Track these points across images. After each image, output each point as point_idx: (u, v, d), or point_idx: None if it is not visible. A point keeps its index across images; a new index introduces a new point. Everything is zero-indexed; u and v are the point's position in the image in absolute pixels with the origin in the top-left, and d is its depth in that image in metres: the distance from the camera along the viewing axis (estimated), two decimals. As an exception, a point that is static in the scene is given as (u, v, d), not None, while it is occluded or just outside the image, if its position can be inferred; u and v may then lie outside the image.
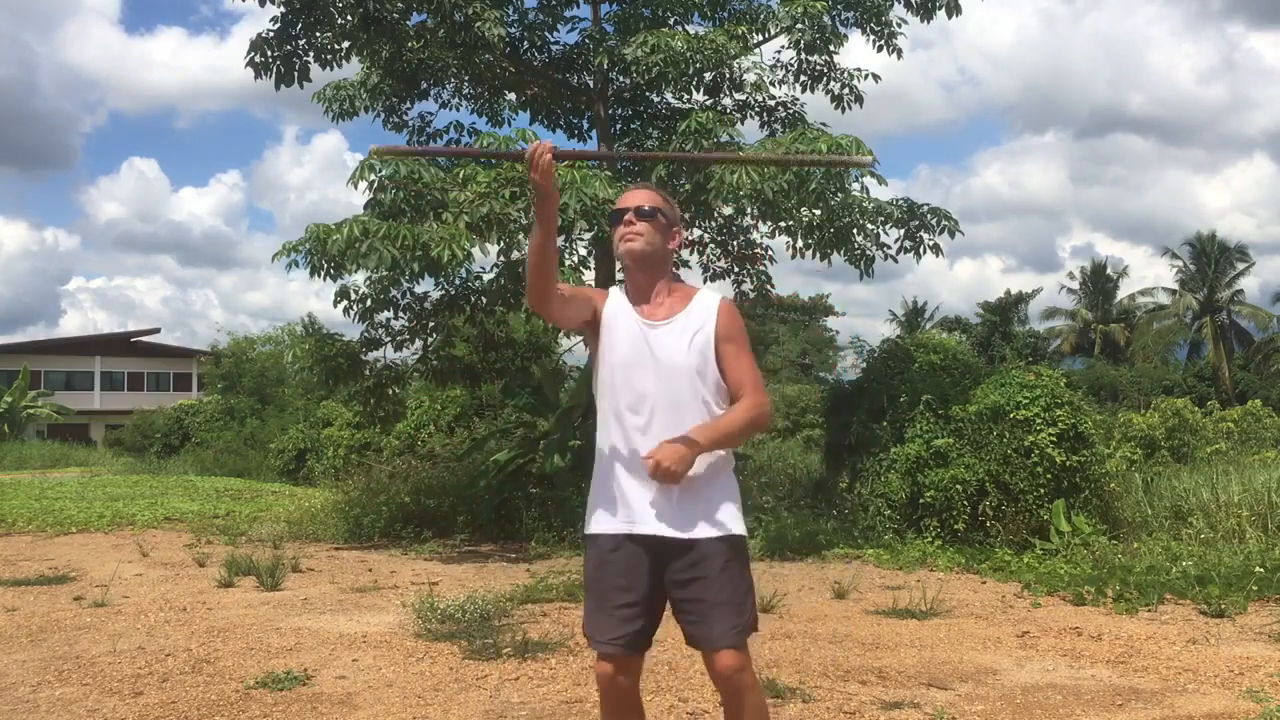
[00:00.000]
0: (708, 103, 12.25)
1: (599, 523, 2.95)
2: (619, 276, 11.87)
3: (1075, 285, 52.63)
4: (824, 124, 11.31)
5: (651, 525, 2.84)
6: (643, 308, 2.95)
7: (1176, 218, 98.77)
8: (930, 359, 11.07)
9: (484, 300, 11.44)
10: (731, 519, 2.88)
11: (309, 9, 10.75)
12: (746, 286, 12.58)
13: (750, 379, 2.89)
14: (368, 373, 11.53)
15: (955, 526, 9.69)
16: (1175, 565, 7.88)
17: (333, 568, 9.08)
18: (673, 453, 2.72)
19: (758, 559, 9.50)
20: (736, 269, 12.53)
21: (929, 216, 11.14)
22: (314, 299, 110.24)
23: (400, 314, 11.44)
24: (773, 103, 12.62)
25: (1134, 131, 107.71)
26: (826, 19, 11.06)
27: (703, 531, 2.84)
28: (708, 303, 2.97)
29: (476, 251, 9.55)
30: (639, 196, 2.98)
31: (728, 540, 2.86)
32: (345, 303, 10.84)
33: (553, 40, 12.34)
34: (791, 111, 12.61)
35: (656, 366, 2.88)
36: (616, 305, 2.99)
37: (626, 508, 2.88)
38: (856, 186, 10.59)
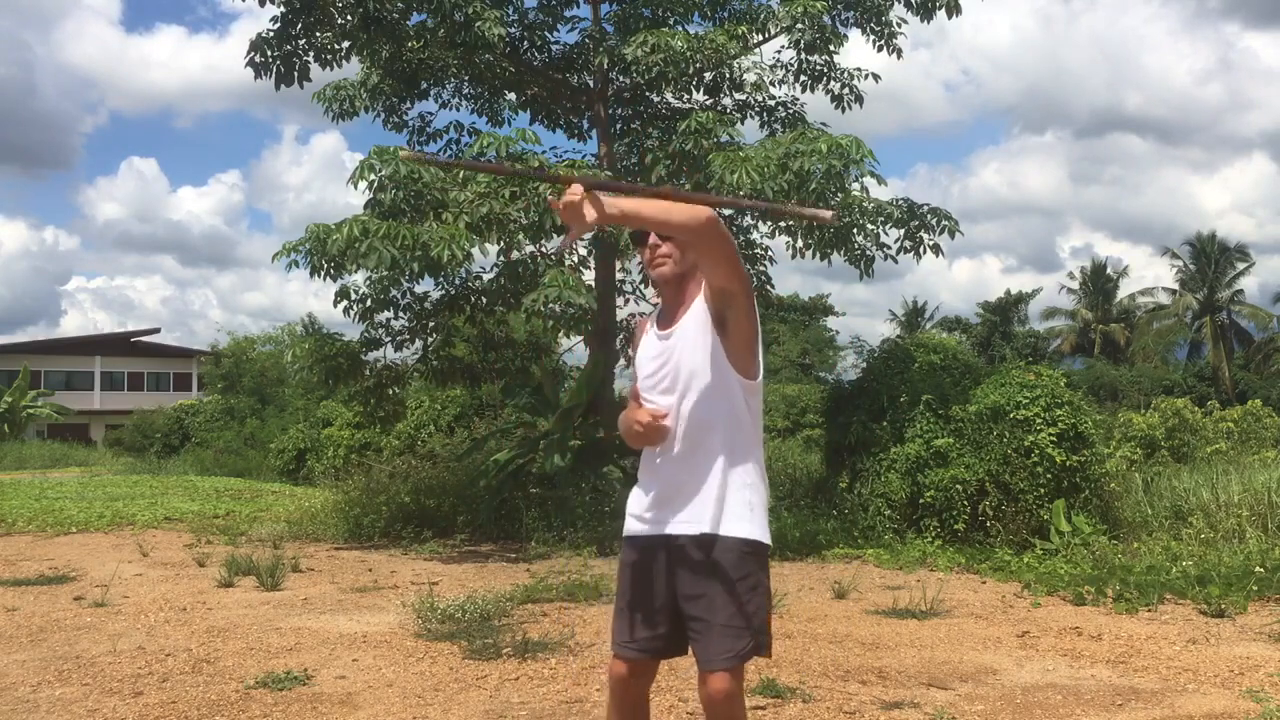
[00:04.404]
0: (708, 102, 12.26)
1: (628, 525, 2.95)
2: (619, 276, 11.93)
3: (1075, 285, 52.71)
4: (824, 124, 11.32)
5: (664, 527, 2.82)
6: (668, 316, 2.92)
7: (1176, 218, 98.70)
8: (930, 359, 11.07)
9: (484, 300, 11.45)
10: (749, 524, 2.77)
11: (309, 9, 10.75)
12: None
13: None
14: (368, 373, 11.53)
15: (955, 526, 9.69)
16: (1175, 565, 7.88)
17: (333, 568, 9.08)
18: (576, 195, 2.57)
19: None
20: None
21: (929, 217, 11.14)
22: (313, 299, 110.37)
23: (400, 314, 11.45)
24: (773, 103, 12.63)
25: (1132, 131, 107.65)
26: (826, 19, 11.06)
27: (718, 529, 2.75)
28: (696, 299, 2.88)
29: (476, 251, 9.56)
30: None
31: (743, 546, 2.75)
32: (345, 303, 10.85)
33: (553, 40, 12.35)
34: (791, 111, 12.62)
35: (678, 371, 2.82)
36: (649, 325, 3.00)
37: (647, 510, 2.88)
38: (856, 187, 10.60)
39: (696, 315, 2.82)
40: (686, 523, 2.78)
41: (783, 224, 11.02)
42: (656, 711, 4.54)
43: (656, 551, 2.84)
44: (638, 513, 2.91)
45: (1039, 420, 9.69)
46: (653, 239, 2.83)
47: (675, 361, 2.83)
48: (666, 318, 2.91)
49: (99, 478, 22.27)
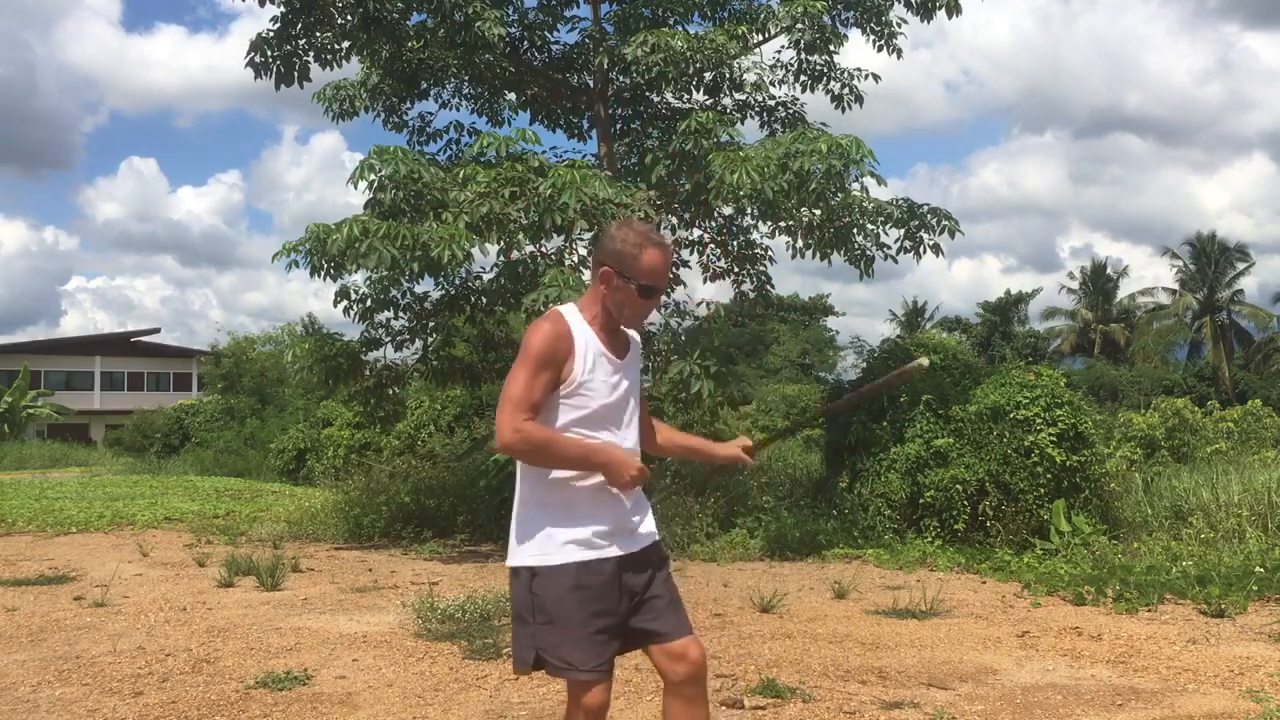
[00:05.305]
0: (708, 103, 12.25)
1: (577, 553, 2.86)
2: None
3: (1075, 285, 52.74)
4: (824, 124, 11.33)
5: (622, 545, 2.92)
6: (611, 342, 2.97)
7: (1175, 218, 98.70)
8: (930, 359, 11.07)
9: (484, 300, 11.44)
10: (656, 524, 3.11)
11: (309, 9, 10.76)
12: (746, 286, 12.59)
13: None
14: (368, 373, 11.52)
15: (955, 526, 9.69)
16: (1175, 565, 7.88)
17: (333, 568, 9.08)
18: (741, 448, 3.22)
19: (758, 559, 9.52)
20: (736, 269, 12.54)
21: (929, 216, 11.14)
22: (313, 299, 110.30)
23: (400, 314, 11.44)
24: (773, 103, 12.63)
25: (1132, 131, 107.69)
26: (826, 19, 11.07)
27: (650, 538, 3.03)
28: (635, 336, 3.12)
29: (476, 251, 9.55)
30: (667, 267, 3.00)
31: (661, 542, 3.12)
32: (345, 303, 10.85)
33: (553, 40, 12.36)
34: (791, 111, 12.62)
35: (632, 397, 3.01)
36: (586, 342, 2.91)
37: (598, 532, 2.88)
38: (856, 187, 10.61)
39: (639, 355, 3.10)
40: (647, 534, 3.02)
41: (783, 224, 11.02)
42: (656, 712, 4.54)
43: (617, 569, 2.90)
44: (586, 538, 2.87)
45: (1039, 420, 9.69)
46: (655, 301, 3.00)
47: (632, 391, 3.01)
48: (613, 345, 2.98)
49: (99, 478, 22.28)
